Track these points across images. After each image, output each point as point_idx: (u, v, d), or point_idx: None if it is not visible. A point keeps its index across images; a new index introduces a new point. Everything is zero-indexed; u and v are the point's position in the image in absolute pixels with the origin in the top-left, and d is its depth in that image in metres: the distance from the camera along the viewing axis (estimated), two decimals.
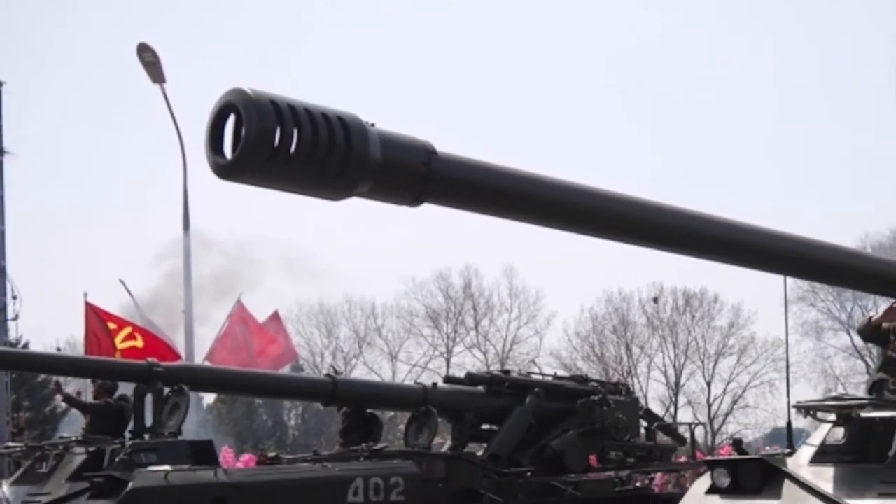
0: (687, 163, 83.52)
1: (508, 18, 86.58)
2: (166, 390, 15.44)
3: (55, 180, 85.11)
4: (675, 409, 63.17)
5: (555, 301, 73.17)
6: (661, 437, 18.29)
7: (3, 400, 29.84)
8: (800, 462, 9.90)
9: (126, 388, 16.37)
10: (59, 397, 24.26)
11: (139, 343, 25.89)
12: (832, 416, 10.04)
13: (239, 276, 33.28)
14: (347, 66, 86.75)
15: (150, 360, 16.27)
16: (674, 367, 65.05)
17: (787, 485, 9.60)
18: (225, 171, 4.84)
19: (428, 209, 5.46)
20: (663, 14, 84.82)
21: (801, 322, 61.47)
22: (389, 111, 67.53)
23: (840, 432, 9.93)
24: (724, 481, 9.89)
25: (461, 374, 18.27)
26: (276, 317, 31.41)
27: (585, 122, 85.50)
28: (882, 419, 9.79)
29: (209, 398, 53.03)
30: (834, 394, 12.46)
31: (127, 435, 15.39)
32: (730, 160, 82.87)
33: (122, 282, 29.95)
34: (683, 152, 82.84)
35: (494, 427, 16.53)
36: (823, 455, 9.81)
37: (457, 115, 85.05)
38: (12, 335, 32.82)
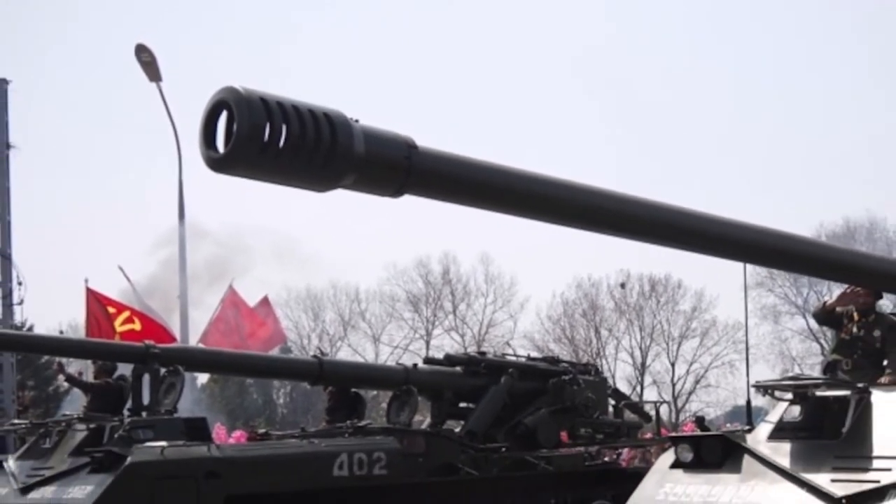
0: (652, 156, 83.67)
1: (485, 23, 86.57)
2: (162, 371, 15.42)
3: (58, 173, 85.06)
4: (641, 389, 63.49)
5: (528, 287, 73.42)
6: (628, 415, 18.32)
7: (9, 379, 29.77)
8: (759, 438, 9.90)
9: (125, 369, 16.33)
10: (61, 377, 24.14)
11: (137, 326, 25.81)
12: (789, 395, 10.04)
13: (231, 263, 33.17)
14: (336, 65, 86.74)
15: (147, 342, 16.23)
16: (640, 348, 65.30)
17: (747, 459, 9.60)
18: (218, 164, 4.81)
19: (409, 200, 5.45)
20: (628, 16, 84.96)
21: (759, 306, 61.74)
22: (375, 108, 67.57)
23: (796, 410, 9.91)
24: (688, 456, 9.87)
25: (440, 355, 18.31)
26: (265, 301, 31.31)
27: (557, 118, 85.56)
28: (836, 398, 9.79)
29: (203, 378, 53.11)
30: (791, 374, 12.47)
31: (125, 413, 15.34)
32: (692, 154, 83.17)
33: (121, 268, 29.79)
34: (649, 147, 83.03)
35: (471, 405, 16.53)
36: (781, 431, 9.80)
37: (437, 112, 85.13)
38: (17, 319, 32.74)
